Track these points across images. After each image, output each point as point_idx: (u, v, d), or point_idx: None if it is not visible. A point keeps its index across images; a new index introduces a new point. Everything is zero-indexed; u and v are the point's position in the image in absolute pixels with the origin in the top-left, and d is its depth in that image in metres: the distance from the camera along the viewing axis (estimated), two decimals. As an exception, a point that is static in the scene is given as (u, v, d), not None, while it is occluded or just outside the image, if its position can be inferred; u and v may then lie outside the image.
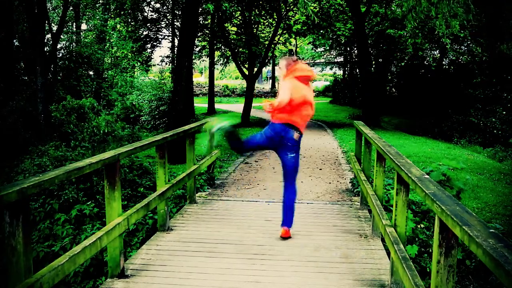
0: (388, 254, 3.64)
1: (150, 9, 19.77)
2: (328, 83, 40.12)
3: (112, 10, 17.98)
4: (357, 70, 26.81)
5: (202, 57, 23.36)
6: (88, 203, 5.46)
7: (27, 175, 6.45)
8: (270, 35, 19.51)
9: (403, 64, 23.86)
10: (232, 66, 30.77)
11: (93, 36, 16.61)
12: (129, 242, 4.97)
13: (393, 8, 19.49)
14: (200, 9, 15.14)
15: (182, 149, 6.71)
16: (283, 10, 17.82)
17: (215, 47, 21.22)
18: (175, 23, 20.03)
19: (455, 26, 8.77)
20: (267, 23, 19.54)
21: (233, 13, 17.00)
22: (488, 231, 1.65)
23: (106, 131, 8.97)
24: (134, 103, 16.61)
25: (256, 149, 4.57)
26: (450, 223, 1.91)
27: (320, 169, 8.21)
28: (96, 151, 7.66)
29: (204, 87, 38.72)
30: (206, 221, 4.87)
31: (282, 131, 4.08)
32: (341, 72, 34.63)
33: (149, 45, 20.36)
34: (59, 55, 14.85)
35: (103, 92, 15.08)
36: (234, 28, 19.97)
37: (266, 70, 40.47)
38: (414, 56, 20.84)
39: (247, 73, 18.21)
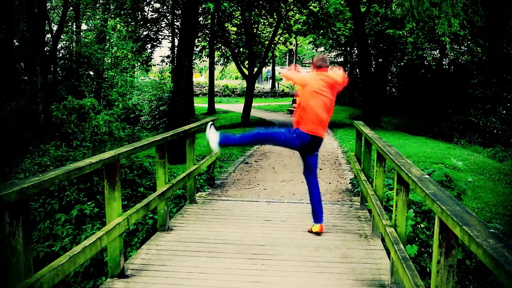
0: (388, 254, 3.64)
1: (150, 9, 19.78)
2: (328, 83, 40.00)
3: (112, 10, 17.98)
4: (357, 70, 26.79)
5: (202, 57, 23.37)
6: (89, 203, 5.45)
7: (27, 174, 6.45)
8: (270, 35, 19.51)
9: (402, 64, 23.86)
10: (232, 66, 30.77)
11: (93, 36, 16.61)
12: (129, 242, 4.97)
13: (393, 8, 19.48)
14: (200, 9, 15.14)
15: (182, 149, 6.71)
16: (283, 10, 17.82)
17: (215, 47, 21.22)
18: (175, 23, 20.03)
19: (454, 24, 8.80)
20: (267, 23, 19.54)
21: (233, 13, 16.99)
22: (488, 231, 1.65)
23: (104, 130, 8.97)
24: (135, 103, 16.63)
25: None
26: (450, 223, 1.91)
27: (320, 169, 8.20)
28: (97, 151, 7.66)
29: (204, 87, 38.69)
30: (206, 221, 4.87)
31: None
32: (341, 72, 34.59)
33: (149, 45, 20.37)
34: (59, 55, 14.85)
35: (103, 92, 15.09)
36: (234, 28, 19.97)
37: (266, 70, 40.42)
38: (414, 56, 20.85)
39: (247, 73, 18.21)
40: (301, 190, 6.53)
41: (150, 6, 19.57)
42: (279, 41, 20.52)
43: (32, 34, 11.49)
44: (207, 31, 19.56)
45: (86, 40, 16.16)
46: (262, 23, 19.32)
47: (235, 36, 19.40)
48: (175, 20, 19.99)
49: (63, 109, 10.11)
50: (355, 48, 25.93)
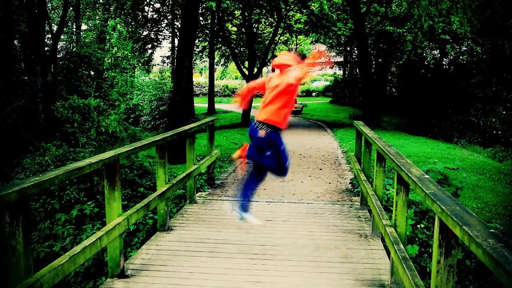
0: (388, 254, 3.64)
1: (150, 9, 19.78)
2: (328, 83, 40.13)
3: (112, 10, 17.99)
4: (357, 70, 26.81)
5: (202, 57, 23.39)
6: (89, 203, 5.45)
7: (28, 174, 6.45)
8: (271, 34, 19.52)
9: (401, 62, 23.84)
10: (232, 66, 30.78)
11: (93, 36, 16.62)
12: (129, 242, 4.97)
13: (393, 8, 19.48)
14: (200, 9, 15.14)
15: (182, 149, 6.71)
16: (283, 10, 17.82)
17: (215, 47, 21.22)
18: (175, 23, 20.04)
19: (454, 22, 8.81)
20: (267, 23, 19.56)
21: (234, 13, 17.01)
22: (488, 231, 1.66)
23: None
24: (136, 103, 16.67)
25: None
26: (450, 223, 1.91)
27: (320, 169, 8.20)
28: (97, 151, 7.66)
29: (204, 87, 38.74)
30: (207, 221, 4.87)
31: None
32: (341, 72, 34.64)
33: (149, 46, 20.38)
34: (59, 55, 14.85)
35: (103, 92, 15.09)
36: (234, 28, 19.98)
37: (266, 70, 40.46)
38: (412, 54, 20.86)
39: (247, 73, 18.21)
40: (301, 190, 6.53)
41: (150, 6, 19.57)
42: (279, 40, 20.52)
43: (32, 34, 11.49)
44: (207, 31, 19.56)
45: (86, 40, 16.17)
46: (263, 22, 19.33)
47: (235, 36, 19.40)
48: (175, 20, 19.99)
49: (68, 108, 10.08)
50: (355, 48, 25.93)
